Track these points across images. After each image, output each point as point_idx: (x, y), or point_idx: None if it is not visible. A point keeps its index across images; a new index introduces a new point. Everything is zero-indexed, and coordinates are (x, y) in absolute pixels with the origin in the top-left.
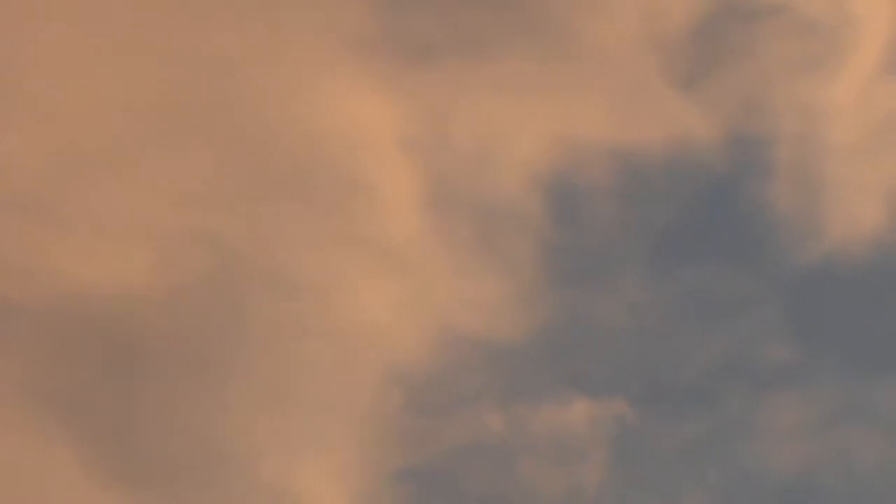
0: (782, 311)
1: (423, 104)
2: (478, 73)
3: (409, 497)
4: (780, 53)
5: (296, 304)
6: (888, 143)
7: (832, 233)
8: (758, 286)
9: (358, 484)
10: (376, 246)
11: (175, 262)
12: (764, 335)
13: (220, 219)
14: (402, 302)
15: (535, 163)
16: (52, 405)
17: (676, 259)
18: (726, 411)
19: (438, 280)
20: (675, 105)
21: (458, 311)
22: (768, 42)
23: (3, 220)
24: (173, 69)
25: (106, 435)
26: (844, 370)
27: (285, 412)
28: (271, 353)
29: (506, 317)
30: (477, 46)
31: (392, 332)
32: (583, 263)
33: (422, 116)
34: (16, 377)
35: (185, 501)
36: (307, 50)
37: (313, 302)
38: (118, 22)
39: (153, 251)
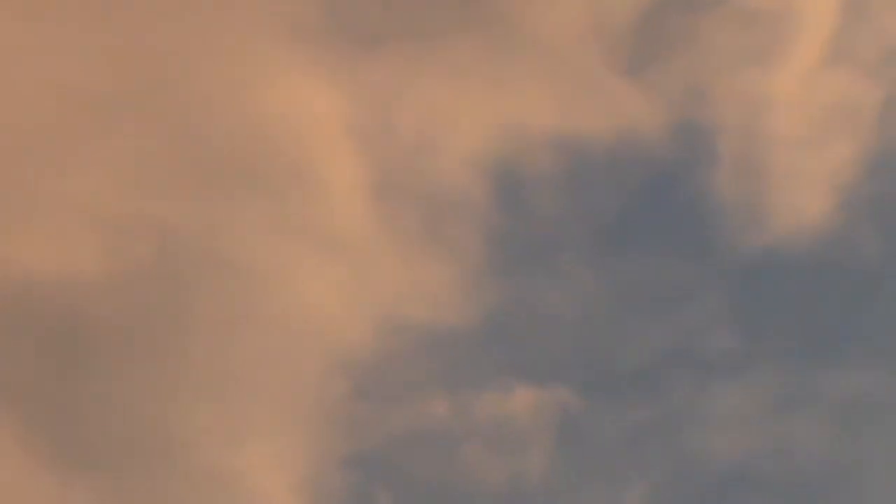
0: (726, 299)
1: (369, 93)
2: (423, 62)
3: (353, 483)
4: (724, 44)
5: (241, 291)
6: (831, 133)
7: (776, 222)
8: (702, 275)
9: (302, 470)
10: (322, 233)
11: (120, 249)
12: (708, 323)
13: (165, 206)
14: (348, 289)
15: (481, 151)
16: None
17: (621, 247)
18: (670, 399)
19: (383, 267)
20: (620, 94)
21: (402, 299)
22: (713, 32)
23: None
24: (120, 57)
25: (50, 419)
26: (788, 358)
27: (230, 398)
28: (216, 339)
29: (450, 304)
30: (422, 35)
31: (337, 320)
32: (527, 251)
33: (367, 105)
34: None
35: (129, 486)
36: (253, 38)
37: (258, 289)
38: (64, 9)
39: (98, 238)
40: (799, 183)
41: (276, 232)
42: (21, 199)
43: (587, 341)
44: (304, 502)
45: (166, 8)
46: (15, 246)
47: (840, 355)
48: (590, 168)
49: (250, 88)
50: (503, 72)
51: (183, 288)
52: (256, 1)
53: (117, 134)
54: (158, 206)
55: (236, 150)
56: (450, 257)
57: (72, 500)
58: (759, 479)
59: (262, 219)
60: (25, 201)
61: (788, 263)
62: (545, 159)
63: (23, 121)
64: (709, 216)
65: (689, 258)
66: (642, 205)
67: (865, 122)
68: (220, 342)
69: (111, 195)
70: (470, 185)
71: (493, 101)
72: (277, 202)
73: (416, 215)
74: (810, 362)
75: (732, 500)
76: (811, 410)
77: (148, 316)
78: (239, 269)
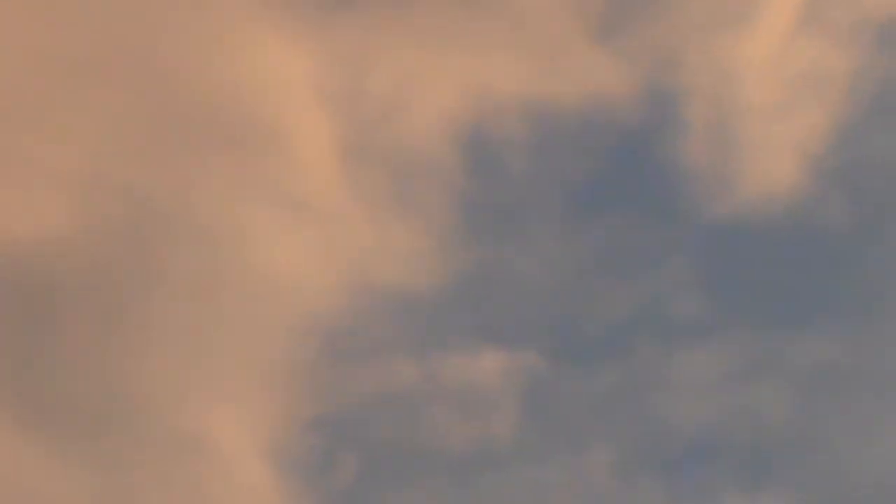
0: (695, 265)
1: (340, 56)
2: (394, 24)
3: (322, 445)
4: (695, 9)
5: (211, 253)
6: (801, 100)
7: (745, 188)
8: (671, 240)
9: (271, 432)
10: (291, 196)
11: (90, 212)
12: (677, 289)
13: (135, 168)
14: (317, 252)
15: (452, 115)
16: None
17: (590, 212)
18: (638, 364)
19: (353, 230)
20: (591, 59)
21: (372, 262)
22: None
23: None
24: (90, 21)
25: (19, 383)
26: (756, 324)
27: (198, 361)
28: (186, 302)
29: (420, 267)
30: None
31: (306, 282)
32: (497, 215)
33: (338, 68)
34: None
35: (99, 449)
36: (223, 1)
37: (228, 251)
38: None
39: (68, 200)
40: (768, 150)
41: (245, 194)
42: None
43: (555, 305)
44: (271, 464)
45: None
46: None
47: (807, 322)
48: (560, 133)
49: (220, 51)
50: (474, 36)
51: (152, 250)
52: None
53: (87, 97)
54: (128, 168)
55: (206, 113)
56: (419, 220)
57: (36, 461)
58: (725, 444)
59: (232, 181)
60: None
61: (757, 230)
62: (515, 124)
63: None
64: (678, 182)
65: (658, 224)
66: (612, 170)
67: (836, 90)
68: (189, 305)
69: (81, 157)
70: (440, 149)
71: (464, 65)
72: (247, 164)
73: (386, 178)
74: (778, 328)
75: (699, 464)
76: (778, 376)
77: (117, 278)
78: (208, 231)
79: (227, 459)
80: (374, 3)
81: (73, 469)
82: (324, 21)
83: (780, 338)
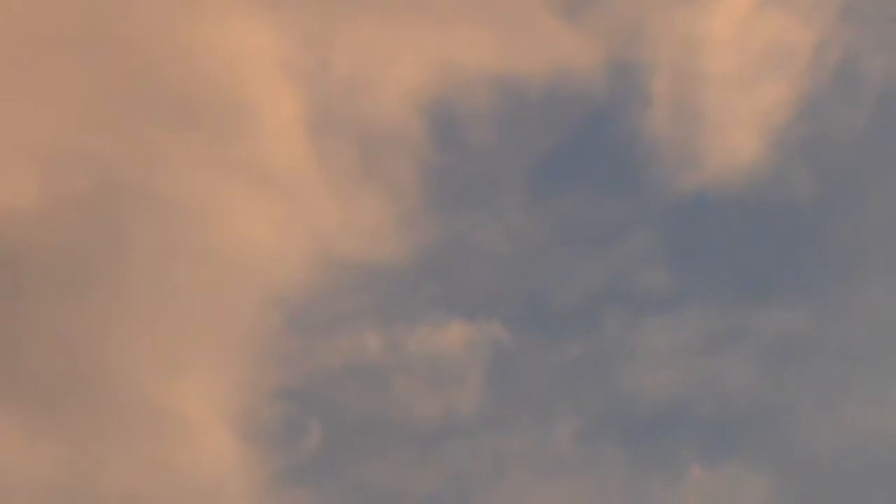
0: (659, 238)
1: (305, 29)
2: (360, 1)
3: (286, 416)
4: None
5: (177, 225)
6: (765, 74)
7: (709, 162)
8: (635, 213)
9: (237, 402)
10: (257, 169)
11: (57, 183)
12: (641, 261)
13: (102, 140)
14: (283, 225)
15: (417, 89)
16: None
17: (556, 185)
18: (603, 335)
19: (319, 203)
20: (556, 33)
21: (337, 234)
22: None
23: None
24: None
25: None
26: (719, 297)
27: (165, 332)
28: (152, 273)
29: (385, 240)
30: None
31: (272, 255)
32: (463, 188)
33: (304, 43)
34: None
35: (66, 418)
36: None
37: (194, 224)
38: None
39: (36, 171)
40: (732, 123)
41: (211, 167)
42: None
43: (521, 278)
44: (236, 434)
45: None
46: None
47: (770, 294)
48: (525, 107)
49: (187, 25)
50: (440, 11)
51: (119, 222)
52: None
53: (56, 70)
54: (95, 140)
55: (173, 87)
56: (385, 193)
57: (1, 431)
58: (688, 414)
59: (199, 154)
60: None
61: (721, 203)
62: (481, 98)
63: None
64: (643, 155)
65: (623, 197)
66: (577, 143)
67: (798, 64)
68: (155, 276)
69: (49, 130)
70: (406, 123)
71: (429, 40)
72: (214, 138)
73: (352, 152)
74: (741, 300)
75: (662, 434)
76: (741, 347)
77: (85, 250)
78: (175, 203)
79: (192, 429)
80: None
81: (38, 439)
82: None
83: (744, 310)
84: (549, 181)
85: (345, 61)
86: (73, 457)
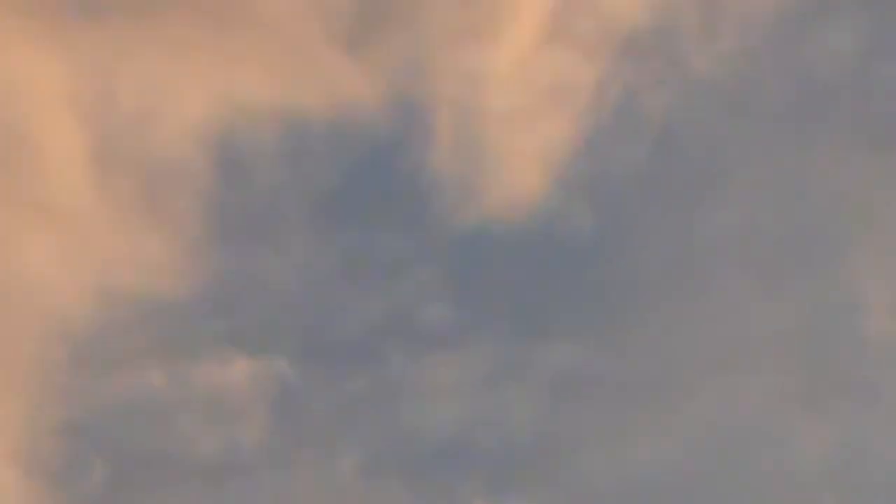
0: (442, 273)
1: (88, 61)
2: (143, 33)
3: (67, 452)
4: (442, 19)
5: None
6: (546, 110)
7: (491, 197)
8: (418, 248)
9: (16, 438)
10: (39, 201)
11: None
12: (424, 296)
13: None
14: (65, 258)
15: (201, 124)
16: None
17: (339, 220)
18: (386, 371)
19: (101, 237)
20: (340, 70)
21: (120, 268)
22: (430, 8)
23: None
24: None
25: None
26: (502, 332)
27: None
28: None
29: (169, 274)
30: (143, 8)
31: (54, 288)
32: (246, 223)
33: (87, 75)
34: None
35: None
36: None
37: None
38: None
39: None
40: (514, 160)
41: None
42: None
43: (305, 313)
44: (17, 470)
45: None
46: None
47: (551, 329)
48: (309, 142)
49: None
50: (224, 46)
51: None
52: None
53: None
54: None
55: None
56: (169, 228)
57: None
58: (471, 450)
59: None
60: None
61: (503, 239)
62: (265, 133)
63: None
64: (426, 191)
65: (406, 232)
66: (360, 179)
67: (580, 101)
68: None
69: None
70: (190, 157)
71: (214, 74)
72: None
73: (136, 185)
74: (523, 336)
75: (445, 469)
76: (524, 383)
77: None
78: None
79: None
80: (124, 12)
81: None
82: (73, 28)
83: (525, 346)
84: (332, 216)
85: (128, 95)
86: None
